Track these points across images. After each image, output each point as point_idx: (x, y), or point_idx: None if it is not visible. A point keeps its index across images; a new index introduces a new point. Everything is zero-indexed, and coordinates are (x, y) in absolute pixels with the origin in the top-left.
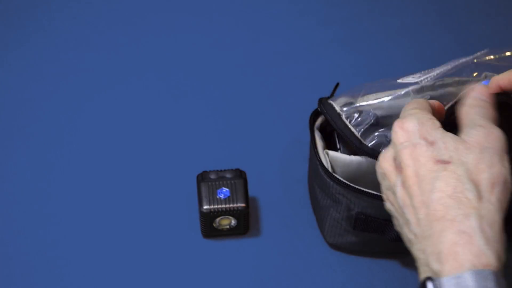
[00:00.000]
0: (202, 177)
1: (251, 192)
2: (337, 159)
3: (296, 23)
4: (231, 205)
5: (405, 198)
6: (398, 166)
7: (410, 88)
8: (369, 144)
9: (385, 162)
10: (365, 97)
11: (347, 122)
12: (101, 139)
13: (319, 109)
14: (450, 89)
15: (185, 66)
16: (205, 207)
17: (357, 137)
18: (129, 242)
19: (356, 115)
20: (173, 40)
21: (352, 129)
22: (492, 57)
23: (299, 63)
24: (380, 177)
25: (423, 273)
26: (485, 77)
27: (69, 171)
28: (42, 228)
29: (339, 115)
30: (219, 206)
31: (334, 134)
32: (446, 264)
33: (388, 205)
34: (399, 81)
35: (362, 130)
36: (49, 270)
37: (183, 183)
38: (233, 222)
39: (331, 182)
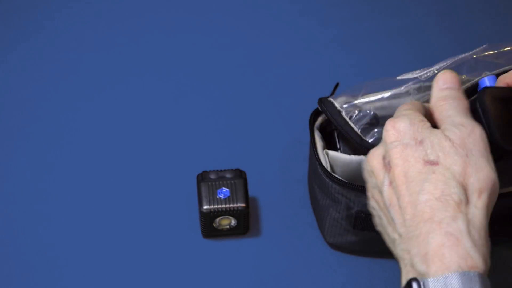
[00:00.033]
0: (202, 177)
1: (251, 192)
2: (337, 159)
3: (296, 23)
4: (231, 205)
5: (392, 197)
6: (387, 164)
7: (411, 86)
8: (370, 141)
9: (373, 159)
10: (365, 96)
11: (347, 118)
12: (101, 139)
13: (319, 107)
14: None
15: (185, 66)
16: (205, 207)
17: (357, 134)
18: (129, 242)
19: (356, 112)
20: (173, 40)
21: (353, 125)
22: (491, 52)
23: (299, 63)
24: (367, 175)
25: (407, 274)
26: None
27: (69, 171)
28: (42, 228)
29: (339, 112)
30: (219, 206)
31: (334, 134)
32: (433, 265)
33: (372, 203)
34: (398, 78)
35: (362, 127)
36: (49, 270)
37: (183, 183)
38: (233, 222)
39: (330, 182)
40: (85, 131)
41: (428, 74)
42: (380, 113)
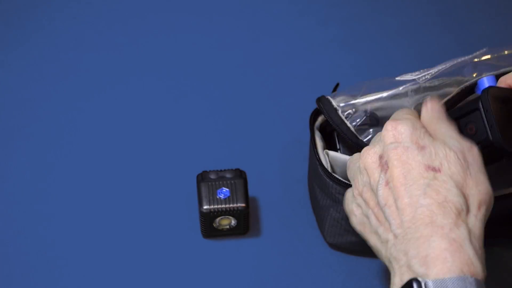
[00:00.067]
0: (202, 177)
1: (251, 192)
2: (337, 159)
3: (296, 23)
4: (231, 205)
5: (388, 198)
6: (384, 164)
7: (409, 87)
8: (365, 140)
9: (368, 157)
10: (364, 96)
11: (343, 117)
12: (101, 139)
13: (316, 104)
14: (450, 89)
15: (185, 66)
16: (205, 207)
17: (352, 132)
18: (129, 242)
19: (352, 111)
20: (173, 40)
21: (348, 124)
22: (490, 56)
23: (299, 63)
24: (356, 171)
25: (402, 275)
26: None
27: (69, 171)
28: (42, 228)
29: (335, 110)
30: (219, 206)
31: (334, 134)
32: (434, 268)
33: (359, 201)
34: (397, 78)
35: (357, 126)
36: (49, 270)
37: (183, 183)
38: (233, 222)
39: (331, 182)
40: (85, 131)
41: (426, 77)
42: (377, 113)
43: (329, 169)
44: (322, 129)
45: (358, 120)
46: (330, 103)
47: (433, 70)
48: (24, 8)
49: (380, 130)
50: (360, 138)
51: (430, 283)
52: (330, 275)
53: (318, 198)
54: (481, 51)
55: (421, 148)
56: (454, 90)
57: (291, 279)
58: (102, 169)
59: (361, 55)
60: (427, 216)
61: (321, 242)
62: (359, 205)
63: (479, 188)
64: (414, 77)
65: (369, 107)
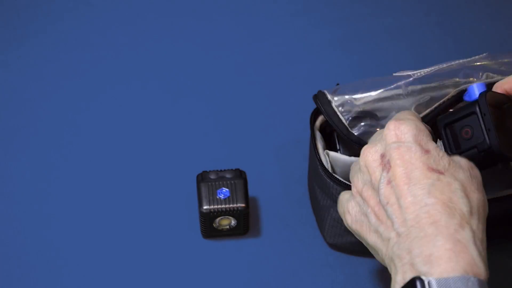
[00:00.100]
0: (202, 177)
1: (251, 192)
2: (337, 159)
3: (296, 23)
4: (231, 205)
5: (390, 196)
6: (386, 163)
7: (409, 87)
8: (356, 133)
9: (369, 156)
10: (363, 96)
11: (336, 109)
12: (101, 139)
13: (313, 99)
14: (449, 90)
15: (185, 66)
16: (205, 207)
17: (344, 125)
18: (129, 243)
19: (347, 104)
20: (172, 40)
21: (341, 116)
22: (492, 62)
23: (298, 63)
24: (356, 170)
25: (405, 273)
26: (487, 77)
27: (69, 171)
28: (42, 228)
29: (329, 102)
30: (219, 206)
31: (334, 134)
32: (438, 267)
33: (357, 200)
34: (395, 74)
35: (350, 118)
36: (49, 270)
37: (183, 183)
38: (233, 222)
39: (331, 183)
40: (85, 131)
41: (422, 73)
42: (377, 113)
43: (330, 169)
44: (322, 130)
45: (351, 113)
46: (325, 95)
47: (429, 68)
48: (24, 8)
49: (374, 124)
50: (351, 131)
51: (433, 282)
52: (330, 275)
53: (318, 198)
54: (481, 56)
55: (425, 151)
56: (453, 89)
57: (291, 279)
58: (102, 169)
59: (360, 55)
60: (432, 215)
61: (321, 242)
62: (357, 204)
63: (480, 196)
64: (409, 73)
65: (368, 107)
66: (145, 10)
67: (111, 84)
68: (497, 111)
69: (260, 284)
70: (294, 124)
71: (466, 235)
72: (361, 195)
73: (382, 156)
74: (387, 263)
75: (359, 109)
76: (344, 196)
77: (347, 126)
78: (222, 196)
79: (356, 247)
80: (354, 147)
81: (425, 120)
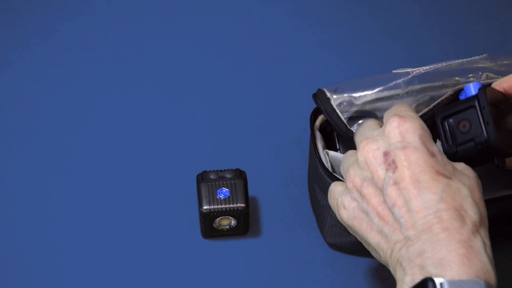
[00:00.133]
0: (202, 177)
1: (251, 192)
2: (337, 159)
3: (296, 23)
4: (231, 205)
5: (397, 199)
6: (392, 163)
7: (410, 87)
8: (355, 130)
9: (369, 152)
10: (359, 90)
11: (335, 106)
12: (101, 139)
13: (312, 97)
14: (449, 90)
15: (185, 67)
16: (205, 207)
17: (343, 122)
18: (129, 243)
19: (346, 102)
20: (172, 41)
21: (340, 113)
22: (492, 64)
23: (298, 63)
24: (353, 163)
25: (414, 274)
26: (486, 77)
27: (69, 171)
28: (42, 228)
29: (328, 99)
30: (219, 206)
31: (334, 134)
32: (450, 270)
33: (355, 195)
34: (394, 71)
35: (349, 116)
36: (50, 270)
37: (183, 183)
38: (233, 222)
39: (331, 182)
40: (85, 131)
41: (421, 70)
42: (377, 113)
43: (330, 169)
44: (322, 129)
45: (350, 110)
46: (324, 93)
47: (428, 66)
48: (24, 8)
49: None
50: (350, 128)
51: (445, 283)
52: (330, 275)
53: (318, 198)
54: (481, 56)
55: (431, 154)
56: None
57: (291, 279)
58: (103, 169)
59: (360, 55)
60: (444, 220)
61: (321, 242)
62: (353, 199)
63: (484, 204)
64: (408, 70)
65: (367, 107)
66: (145, 10)
67: (111, 84)
68: (495, 109)
69: (260, 284)
70: (294, 124)
71: (477, 242)
72: (359, 191)
73: (386, 154)
74: (391, 264)
75: (358, 109)
76: (336, 187)
77: (346, 123)
78: (222, 196)
79: (356, 247)
80: (353, 146)
81: (423, 119)
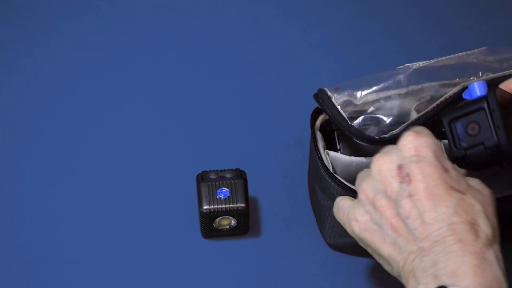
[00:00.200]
0: (202, 177)
1: (251, 192)
2: (337, 159)
3: (296, 23)
4: (231, 205)
5: (411, 211)
6: (406, 176)
7: (410, 88)
8: (356, 126)
9: (383, 165)
10: (360, 90)
11: (336, 103)
12: (101, 139)
13: (313, 96)
14: (450, 90)
15: (185, 66)
16: (205, 207)
17: (344, 118)
18: (129, 243)
19: (347, 102)
20: (172, 40)
21: (340, 110)
22: (492, 58)
23: (299, 63)
24: (365, 176)
25: (428, 283)
26: (487, 76)
27: (69, 171)
28: (41, 228)
29: (329, 97)
30: (219, 206)
31: (334, 134)
32: (464, 280)
33: (367, 207)
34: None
35: (350, 114)
36: (50, 270)
37: (183, 183)
38: (233, 222)
39: (333, 183)
40: (85, 131)
41: (420, 64)
42: (377, 113)
43: (331, 170)
44: (322, 130)
45: (350, 107)
46: (325, 91)
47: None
48: (24, 8)
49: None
50: (351, 124)
51: None
52: (330, 275)
53: (318, 199)
54: (481, 49)
55: (445, 170)
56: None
57: (291, 279)
58: (103, 169)
59: (361, 55)
60: (458, 233)
61: (321, 242)
62: (366, 212)
63: (496, 219)
64: (408, 64)
65: (368, 107)
66: (145, 9)
67: (111, 84)
68: (503, 111)
69: (260, 284)
70: (294, 124)
71: (490, 255)
72: (372, 204)
73: (400, 167)
74: (403, 275)
75: (358, 109)
76: (344, 202)
77: (347, 119)
78: (222, 196)
79: (356, 248)
80: (354, 146)
81: (426, 118)
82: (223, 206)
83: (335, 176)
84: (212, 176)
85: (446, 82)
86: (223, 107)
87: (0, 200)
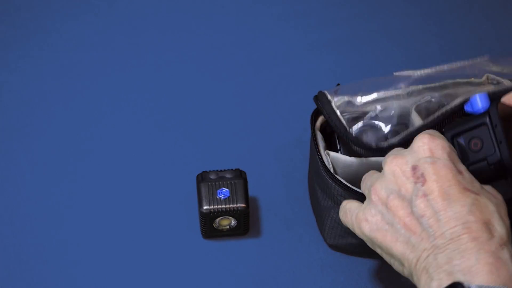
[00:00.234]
0: (202, 177)
1: (251, 192)
2: (338, 159)
3: (296, 23)
4: (231, 205)
5: (426, 210)
6: (420, 176)
7: (410, 88)
8: (354, 134)
9: (396, 166)
10: (364, 97)
11: (336, 109)
12: (101, 139)
13: (313, 99)
14: (449, 91)
15: (185, 66)
16: (205, 207)
17: (343, 124)
18: (129, 243)
19: (347, 104)
20: (172, 40)
21: (340, 116)
22: (494, 67)
23: (299, 63)
24: (378, 178)
25: (441, 279)
26: (487, 78)
27: (69, 171)
28: (42, 228)
29: (329, 102)
30: (219, 206)
31: (335, 134)
32: (478, 277)
33: (379, 208)
34: (395, 74)
35: (350, 119)
36: (50, 270)
37: (183, 183)
38: (233, 222)
39: (334, 184)
40: (85, 131)
41: (422, 73)
42: (373, 108)
43: (331, 170)
44: (322, 130)
45: (351, 113)
46: (325, 95)
47: (430, 69)
48: (24, 8)
49: (373, 125)
50: (349, 131)
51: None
52: (330, 275)
53: (319, 199)
54: (483, 58)
55: (459, 171)
56: (453, 89)
57: (291, 279)
58: (103, 169)
59: (361, 55)
60: (473, 231)
61: (321, 243)
62: (378, 212)
63: (509, 222)
64: (410, 73)
65: (368, 108)
66: (145, 9)
67: (111, 84)
68: (505, 124)
69: (260, 284)
70: (294, 124)
71: (505, 254)
72: (385, 204)
73: (414, 168)
74: (415, 273)
75: (358, 109)
76: (351, 204)
77: (346, 126)
78: (222, 196)
79: (356, 249)
80: (343, 139)
81: (427, 127)
82: (223, 206)
83: (336, 177)
84: (212, 176)
85: (446, 82)
86: (223, 107)
87: (0, 200)
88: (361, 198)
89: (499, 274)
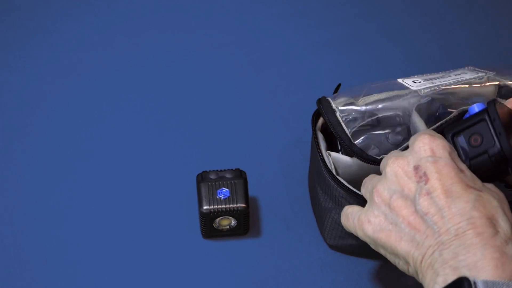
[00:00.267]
0: (202, 177)
1: (251, 192)
2: (339, 160)
3: (296, 23)
4: (231, 205)
5: (430, 207)
6: (423, 175)
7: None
8: (360, 145)
9: (398, 167)
10: (365, 98)
11: (340, 119)
12: (101, 139)
13: (316, 105)
14: (451, 90)
15: (185, 66)
16: (205, 207)
17: (347, 136)
18: (129, 243)
19: (352, 113)
20: (172, 40)
21: (344, 127)
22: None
23: (299, 63)
24: (380, 179)
25: (447, 275)
26: (488, 79)
27: (68, 171)
28: (42, 228)
29: (334, 111)
30: (219, 206)
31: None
32: (484, 272)
33: (382, 209)
34: (399, 80)
35: (354, 129)
36: (49, 270)
37: (183, 183)
38: (233, 222)
39: (335, 185)
40: (85, 131)
41: (427, 90)
42: (378, 114)
43: (333, 171)
44: (323, 130)
45: (358, 122)
46: (329, 104)
47: (435, 84)
48: (24, 8)
49: (377, 136)
50: (354, 142)
51: (480, 283)
52: (330, 275)
53: (320, 200)
54: (490, 74)
55: (460, 170)
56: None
57: (291, 279)
58: (103, 169)
59: (361, 55)
60: (478, 227)
61: (321, 243)
62: (381, 213)
63: None
64: (414, 88)
65: (370, 108)
66: (145, 9)
67: (111, 84)
68: (505, 123)
69: (260, 284)
70: (294, 124)
71: (510, 250)
72: (388, 205)
73: (416, 168)
74: (420, 270)
75: (359, 110)
76: (352, 208)
77: (350, 137)
78: (222, 196)
79: (356, 250)
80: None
81: None
82: (223, 206)
83: (338, 179)
84: (212, 176)
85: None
86: (223, 107)
87: (0, 200)
88: (362, 200)
89: (504, 269)
